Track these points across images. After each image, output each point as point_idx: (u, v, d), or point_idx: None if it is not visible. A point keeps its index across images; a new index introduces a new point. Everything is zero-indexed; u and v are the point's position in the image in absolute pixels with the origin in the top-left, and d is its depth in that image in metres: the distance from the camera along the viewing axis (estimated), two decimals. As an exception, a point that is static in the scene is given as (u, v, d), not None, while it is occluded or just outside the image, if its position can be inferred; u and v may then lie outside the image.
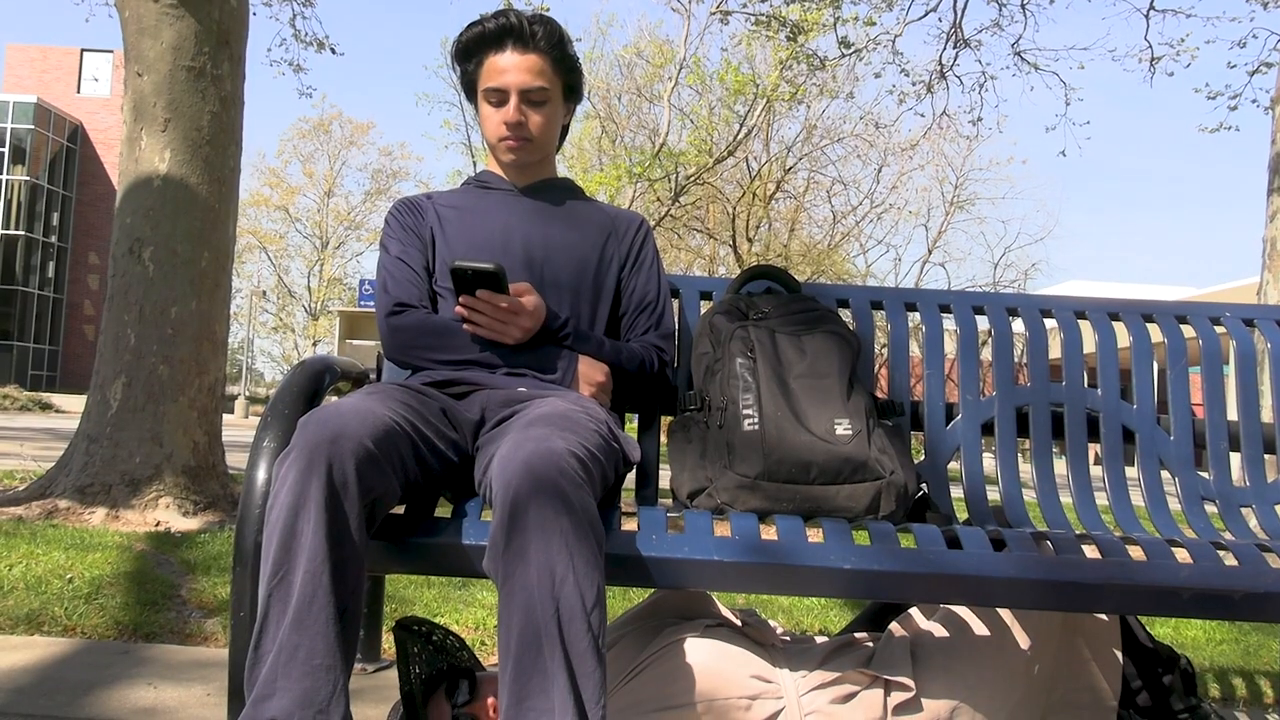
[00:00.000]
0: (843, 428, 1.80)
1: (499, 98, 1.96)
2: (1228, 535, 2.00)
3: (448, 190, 2.11)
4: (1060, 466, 2.23)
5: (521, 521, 1.35)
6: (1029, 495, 2.17)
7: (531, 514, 1.35)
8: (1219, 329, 2.32)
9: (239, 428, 17.78)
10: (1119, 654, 1.94)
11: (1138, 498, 2.14)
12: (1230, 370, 2.33)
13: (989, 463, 2.13)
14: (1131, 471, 2.17)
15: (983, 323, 2.37)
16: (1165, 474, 2.18)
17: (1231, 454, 2.22)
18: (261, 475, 1.72)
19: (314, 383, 1.92)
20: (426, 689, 1.64)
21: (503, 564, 1.35)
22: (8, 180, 42.53)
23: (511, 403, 1.75)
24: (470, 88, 2.03)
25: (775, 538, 1.64)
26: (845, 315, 2.31)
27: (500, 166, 2.08)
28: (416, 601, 3.08)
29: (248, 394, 30.82)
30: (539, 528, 1.34)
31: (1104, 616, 1.94)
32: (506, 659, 1.32)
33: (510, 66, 1.94)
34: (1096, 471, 2.19)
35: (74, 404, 23.11)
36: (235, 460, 5.24)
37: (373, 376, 2.19)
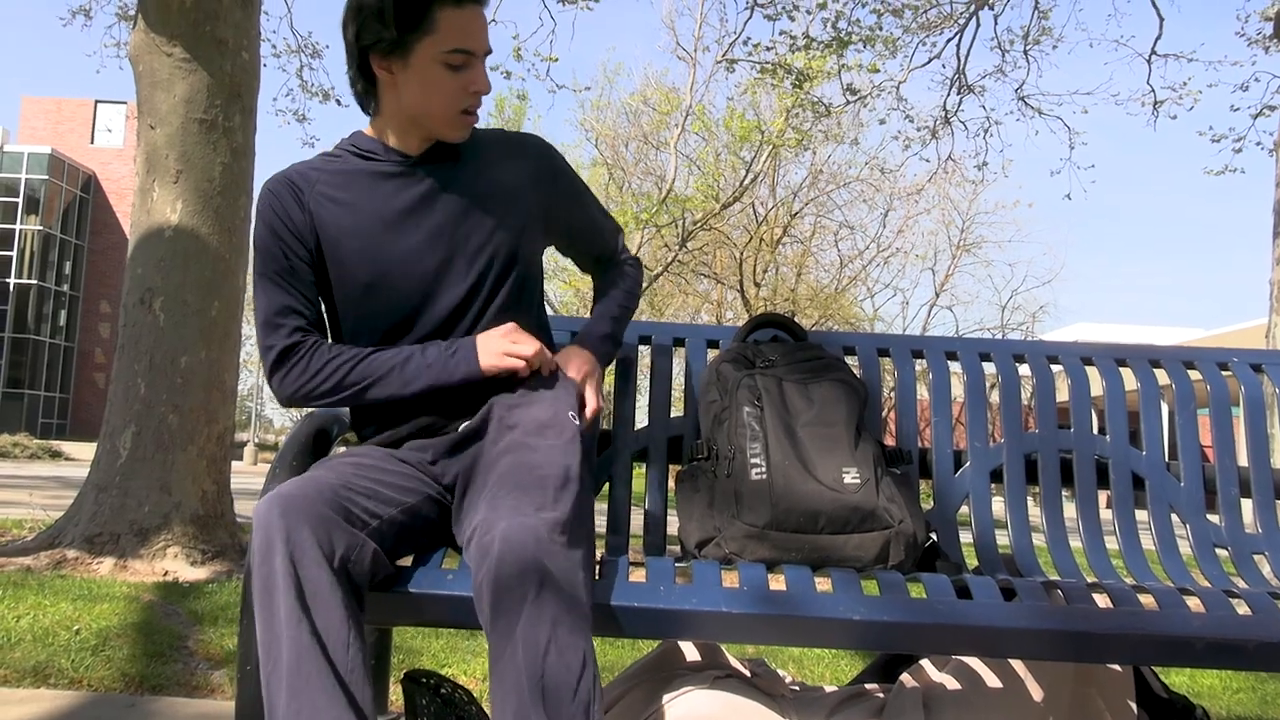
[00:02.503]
0: (850, 476, 1.80)
1: (464, 60, 1.67)
2: (1240, 583, 1.99)
3: (322, 163, 1.78)
4: (1070, 510, 2.22)
5: (503, 604, 1.34)
6: (1039, 540, 2.16)
7: (513, 593, 1.34)
8: (1226, 374, 2.32)
9: (248, 475, 17.76)
10: (1133, 705, 1.92)
11: (1148, 543, 2.12)
12: (1239, 414, 2.32)
13: (998, 508, 2.12)
14: (1142, 515, 2.15)
15: (989, 368, 2.37)
16: (1175, 518, 2.17)
17: (1243, 500, 2.21)
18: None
19: (321, 434, 1.93)
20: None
21: (492, 643, 1.36)
22: (21, 230, 42.93)
23: (465, 445, 1.68)
24: (396, 50, 1.67)
25: (784, 588, 1.63)
26: (852, 362, 2.31)
27: (407, 137, 1.75)
28: (424, 652, 3.06)
29: (257, 440, 30.84)
30: (520, 607, 1.34)
31: (1117, 667, 1.92)
32: None
33: (478, 26, 1.68)
34: (1107, 516, 2.18)
35: (84, 452, 23.11)
36: (244, 508, 5.23)
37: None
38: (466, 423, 1.70)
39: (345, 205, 1.72)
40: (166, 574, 4.34)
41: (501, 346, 1.67)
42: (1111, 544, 2.15)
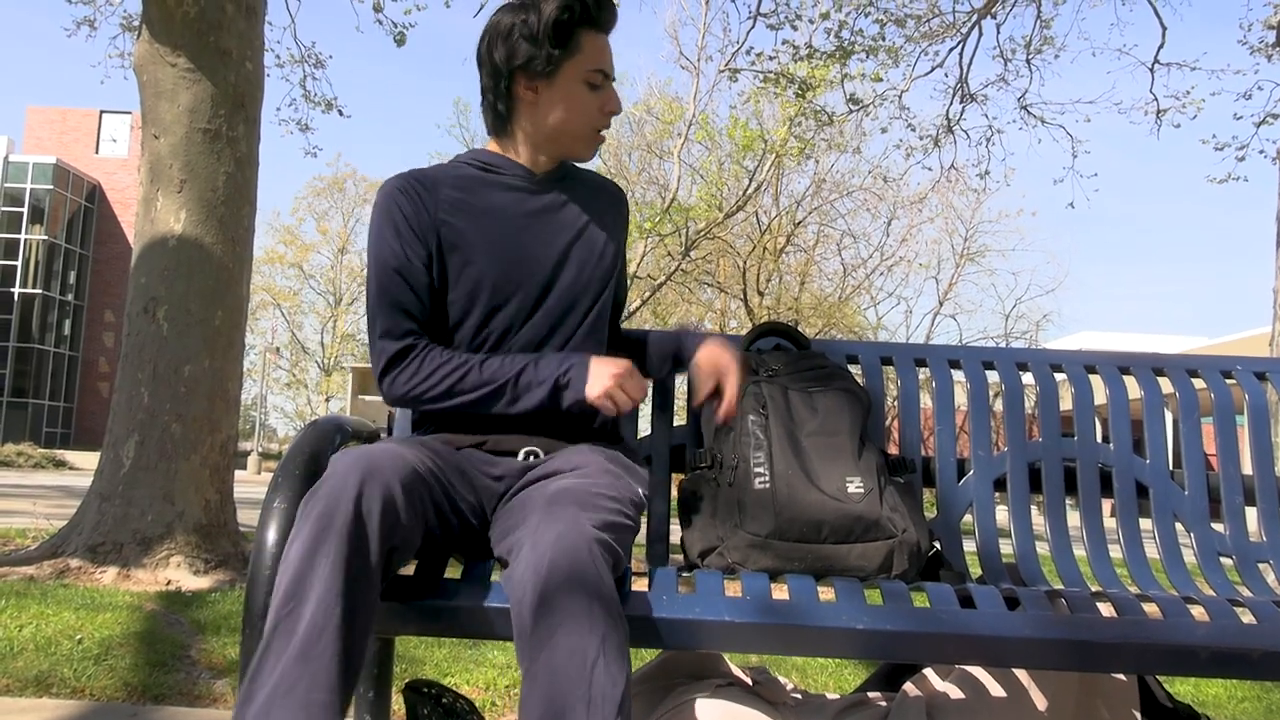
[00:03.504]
0: (854, 486, 1.79)
1: (602, 81, 1.78)
2: (1245, 591, 1.98)
3: (443, 169, 1.84)
4: (1074, 519, 2.22)
5: (551, 605, 1.32)
6: (1042, 549, 2.15)
7: (562, 598, 1.32)
8: (1230, 382, 2.31)
9: (252, 484, 17.77)
10: (1138, 714, 1.91)
11: (1153, 551, 2.12)
12: (1244, 422, 2.32)
13: (1001, 517, 2.12)
14: (1145, 523, 2.15)
15: (992, 376, 2.36)
16: (1179, 527, 2.16)
17: (1247, 508, 2.20)
18: (272, 536, 1.72)
19: (325, 443, 1.92)
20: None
21: (529, 647, 1.33)
22: (26, 240, 43.05)
23: (530, 469, 1.72)
24: (546, 70, 1.74)
25: (787, 597, 1.63)
26: (855, 371, 2.31)
27: (538, 154, 1.83)
28: (427, 661, 3.06)
29: (261, 450, 30.86)
30: (569, 612, 1.31)
31: (1122, 676, 1.92)
32: None
33: (610, 50, 1.80)
34: (1111, 525, 2.17)
35: (88, 461, 23.14)
36: (247, 517, 5.23)
37: (384, 435, 2.20)
38: (537, 455, 1.74)
39: (470, 207, 1.77)
40: (169, 583, 4.34)
41: (611, 382, 1.68)
42: (1115, 553, 2.15)
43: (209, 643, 3.16)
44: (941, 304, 31.15)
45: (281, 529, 1.73)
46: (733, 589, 1.64)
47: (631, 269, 22.14)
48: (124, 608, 3.61)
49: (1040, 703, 1.80)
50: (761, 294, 26.94)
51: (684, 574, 1.72)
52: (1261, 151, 10.49)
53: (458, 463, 1.69)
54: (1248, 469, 2.22)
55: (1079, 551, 2.12)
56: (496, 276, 1.75)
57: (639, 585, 1.66)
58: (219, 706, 2.59)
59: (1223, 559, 2.13)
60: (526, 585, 1.35)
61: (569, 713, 1.27)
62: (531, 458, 1.74)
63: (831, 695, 1.92)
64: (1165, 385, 2.34)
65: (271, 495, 1.76)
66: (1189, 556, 2.12)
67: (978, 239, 36.01)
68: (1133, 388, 2.29)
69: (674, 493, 2.06)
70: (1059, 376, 2.33)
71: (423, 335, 1.75)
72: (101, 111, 45.42)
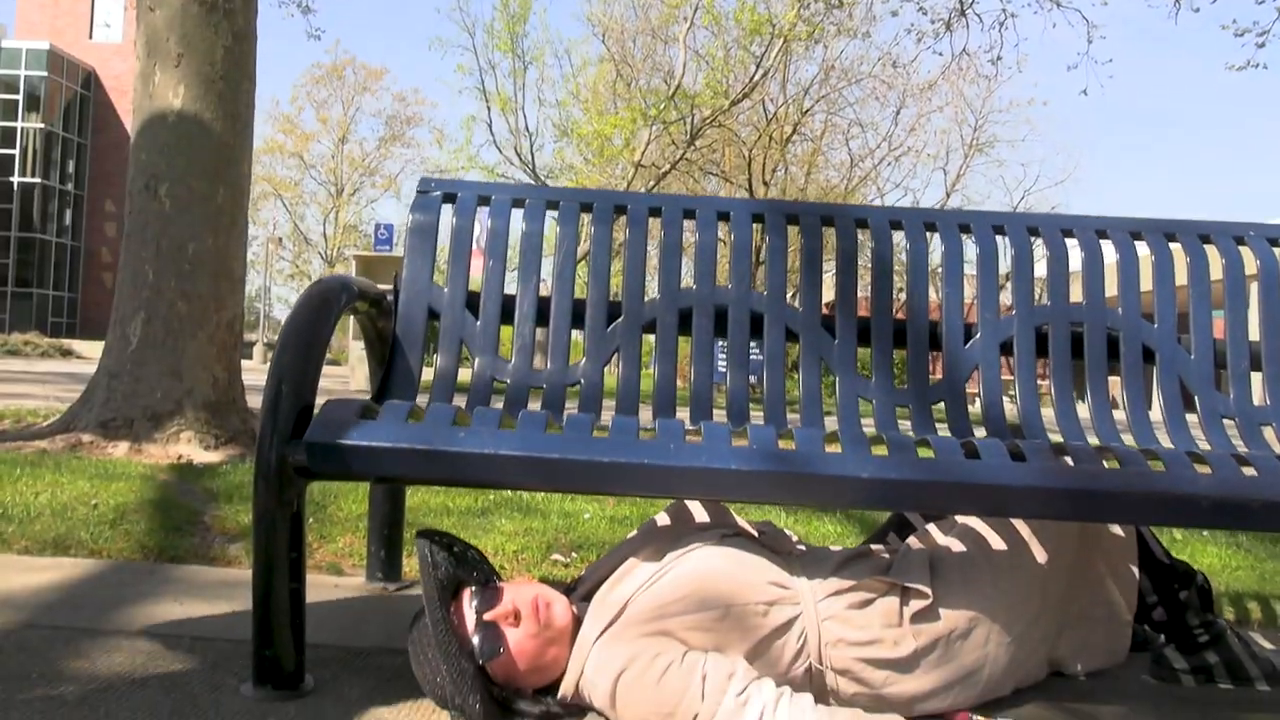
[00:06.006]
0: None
1: None
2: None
3: None
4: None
5: None
6: (1048, 417, 2.16)
7: None
8: (1243, 249, 2.30)
9: (258, 373, 17.87)
10: (1135, 569, 1.94)
11: (1157, 416, 2.13)
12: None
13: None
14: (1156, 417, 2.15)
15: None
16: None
17: (1253, 374, 2.21)
18: (281, 390, 1.74)
19: (332, 300, 1.93)
20: (448, 596, 1.66)
21: None
22: (23, 128, 42.51)
23: None
24: None
25: (794, 447, 1.65)
26: (863, 236, 2.30)
27: None
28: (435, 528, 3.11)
29: (266, 341, 30.95)
30: None
31: (1121, 533, 1.95)
32: None
33: None
34: (1121, 418, 2.17)
35: (94, 351, 23.18)
36: (254, 403, 5.27)
37: (389, 297, 2.20)
38: None
39: None
40: (180, 457, 4.40)
41: None
42: (1120, 419, 2.16)
43: (222, 509, 3.21)
44: (949, 195, 30.87)
45: (290, 382, 1.74)
46: (739, 439, 1.66)
47: (635, 157, 21.89)
48: (137, 477, 3.66)
49: (1041, 557, 1.83)
50: (767, 184, 26.66)
51: (690, 427, 1.74)
52: (1283, 35, 10.24)
53: None
54: (1254, 336, 2.22)
55: (1084, 415, 2.13)
56: None
57: (646, 434, 1.68)
58: (235, 567, 2.65)
59: (1226, 422, 2.14)
60: None
61: None
62: None
63: (835, 547, 1.96)
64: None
65: (281, 348, 1.77)
66: (1192, 421, 2.13)
67: (987, 129, 35.46)
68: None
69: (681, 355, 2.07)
70: (1070, 243, 2.32)
71: None
72: (94, -5, 44.35)
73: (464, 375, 2.13)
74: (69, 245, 44.30)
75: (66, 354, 25.12)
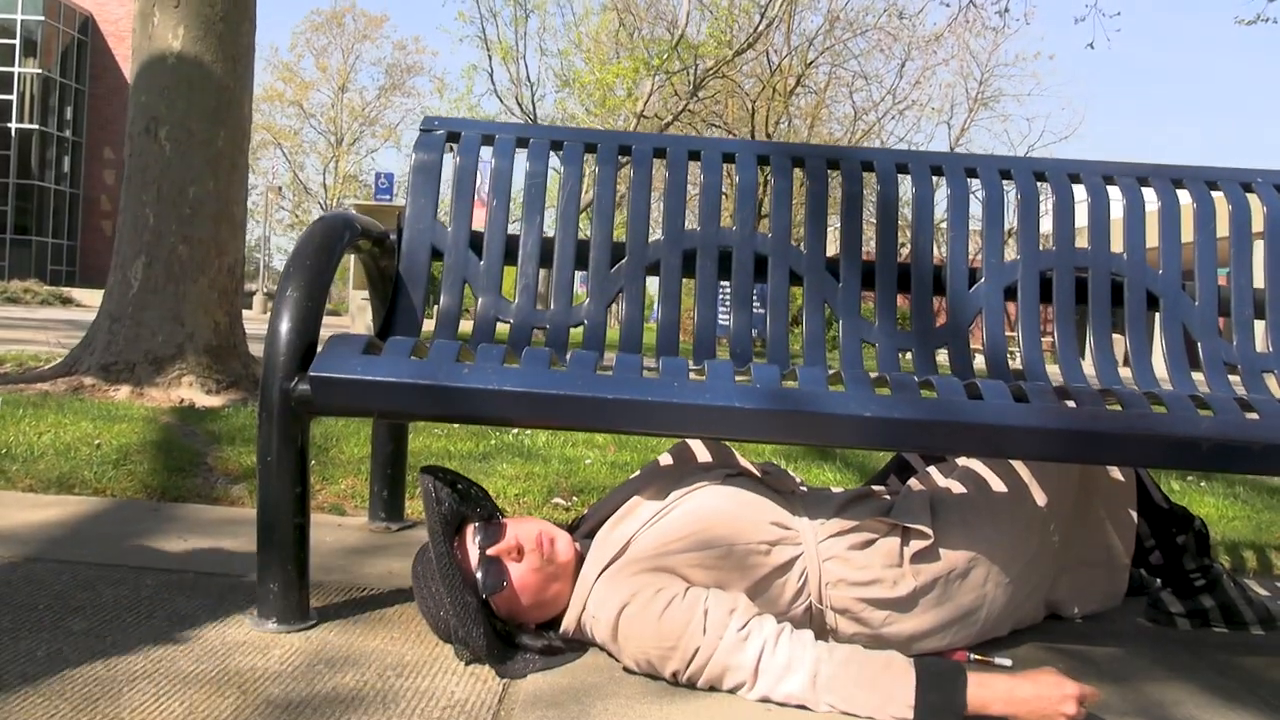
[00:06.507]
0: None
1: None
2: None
3: None
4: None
5: None
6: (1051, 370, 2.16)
7: None
8: (1250, 195, 2.28)
9: (258, 322, 17.86)
10: (1134, 513, 1.96)
11: (1159, 362, 2.13)
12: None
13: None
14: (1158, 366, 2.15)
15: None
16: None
17: (1256, 321, 2.20)
18: (285, 325, 1.74)
19: (335, 237, 1.92)
20: (452, 531, 1.67)
21: None
22: (20, 73, 42.10)
23: None
24: None
25: (797, 386, 1.65)
26: (869, 178, 2.28)
27: None
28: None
29: (266, 290, 30.88)
30: None
31: (1120, 477, 1.96)
32: None
33: None
34: (1126, 374, 2.17)
35: (94, 299, 23.20)
36: (255, 351, 5.27)
37: (393, 236, 2.19)
38: None
39: None
40: (182, 401, 4.40)
41: None
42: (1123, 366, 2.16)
43: (224, 451, 3.23)
44: (953, 150, 30.62)
45: (294, 318, 1.74)
46: (743, 377, 1.66)
47: (638, 108, 21.69)
48: (139, 419, 3.67)
49: (1040, 499, 1.84)
50: (770, 137, 26.46)
51: (694, 366, 1.74)
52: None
53: None
54: (1259, 283, 2.21)
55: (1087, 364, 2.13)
56: None
57: (650, 373, 1.68)
58: (238, 506, 2.66)
59: (1228, 368, 2.14)
60: None
61: None
62: None
63: (837, 489, 1.96)
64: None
65: (285, 284, 1.77)
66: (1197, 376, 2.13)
67: (993, 83, 35.14)
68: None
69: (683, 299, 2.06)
70: (1076, 188, 2.30)
71: None
72: (90, -63, 43.72)
73: (465, 327, 2.14)
74: (68, 193, 44.03)
75: (66, 301, 25.08)
